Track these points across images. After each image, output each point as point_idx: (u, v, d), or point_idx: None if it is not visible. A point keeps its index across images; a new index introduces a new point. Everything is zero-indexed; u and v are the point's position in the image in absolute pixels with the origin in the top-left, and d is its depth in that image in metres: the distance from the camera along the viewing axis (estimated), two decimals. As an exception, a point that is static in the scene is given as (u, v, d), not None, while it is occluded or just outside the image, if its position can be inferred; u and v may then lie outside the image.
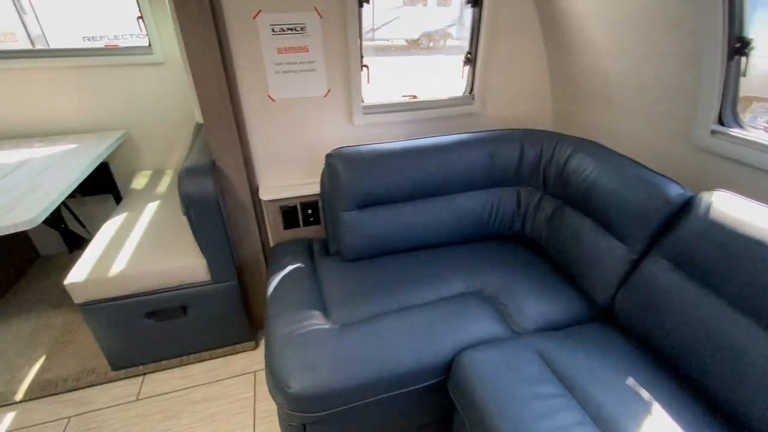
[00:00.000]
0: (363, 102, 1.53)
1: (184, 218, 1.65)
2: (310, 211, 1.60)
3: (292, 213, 1.58)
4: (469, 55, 1.62)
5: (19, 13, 7.23)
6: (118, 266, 1.43)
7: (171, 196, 1.96)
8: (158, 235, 1.62)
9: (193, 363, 1.67)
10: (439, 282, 1.32)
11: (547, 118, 1.81)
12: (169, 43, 2.01)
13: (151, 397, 1.54)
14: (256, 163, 1.54)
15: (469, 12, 1.56)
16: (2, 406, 1.49)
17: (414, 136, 1.67)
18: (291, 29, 1.34)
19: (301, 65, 1.41)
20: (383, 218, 1.39)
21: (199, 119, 1.45)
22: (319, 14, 1.35)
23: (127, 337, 1.54)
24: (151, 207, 1.85)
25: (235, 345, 1.72)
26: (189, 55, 1.25)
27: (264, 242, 1.67)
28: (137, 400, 1.53)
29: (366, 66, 1.50)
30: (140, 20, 1.94)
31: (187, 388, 1.57)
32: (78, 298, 1.41)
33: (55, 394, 1.54)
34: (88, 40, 7.23)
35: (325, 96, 1.49)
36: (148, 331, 1.55)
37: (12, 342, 1.74)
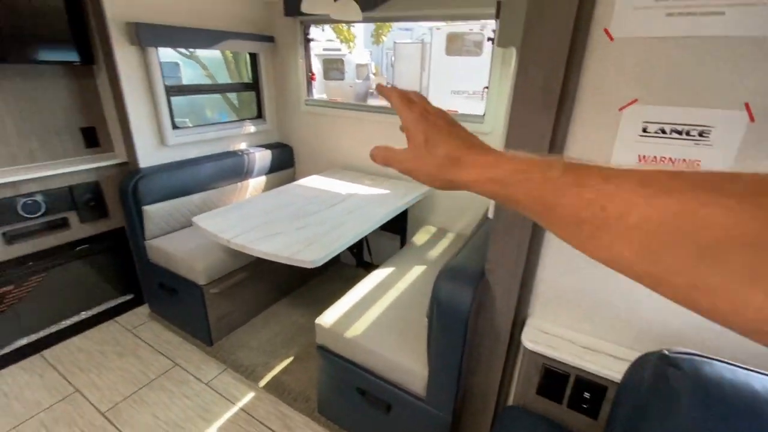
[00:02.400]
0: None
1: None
2: (587, 395, 1.01)
3: (558, 381, 1.05)
4: None
5: (420, 70, 9.59)
6: (356, 329, 1.38)
7: (437, 266, 1.82)
8: (404, 312, 1.48)
9: (375, 461, 1.46)
10: None
11: None
12: (501, 115, 1.88)
13: (326, 469, 1.43)
14: (536, 291, 1.11)
15: None
16: (251, 382, 1.79)
17: None
18: (679, 132, 0.81)
19: (673, 187, 0.85)
20: None
21: (490, 212, 1.18)
22: (750, 115, 0.75)
23: (338, 394, 1.50)
24: (416, 271, 1.77)
25: (421, 478, 1.37)
26: (507, 142, 0.98)
27: (501, 387, 1.22)
28: (317, 461, 1.46)
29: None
30: (485, 90, 1.90)
31: (356, 489, 1.37)
32: (319, 339, 1.46)
33: (279, 400, 1.70)
34: (455, 93, 8.82)
35: (697, 241, 0.86)
36: (354, 403, 1.44)
37: (287, 328, 2.11)
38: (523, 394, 1.13)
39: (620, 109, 0.87)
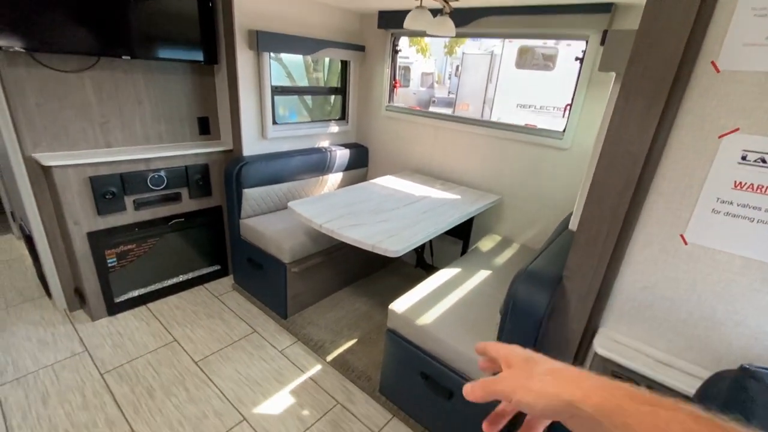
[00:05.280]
0: None
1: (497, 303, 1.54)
2: (657, 407, 1.05)
3: (627, 389, 1.10)
4: None
5: (486, 82, 9.52)
6: (426, 318, 1.51)
7: (503, 273, 1.90)
8: (470, 309, 1.58)
9: (430, 444, 1.57)
10: None
11: None
12: (582, 133, 1.91)
13: (385, 442, 1.56)
14: (611, 303, 1.16)
15: None
16: (319, 356, 1.97)
17: None
18: (781, 163, 0.85)
19: (769, 215, 0.88)
20: None
21: (573, 224, 1.25)
22: None
23: (401, 377, 1.63)
24: (481, 275, 1.86)
25: (473, 467, 1.46)
26: (600, 162, 1.05)
27: (567, 392, 1.28)
28: (377, 433, 1.60)
29: None
30: (568, 107, 1.95)
31: (412, 465, 1.48)
32: (389, 323, 1.60)
33: (344, 376, 1.87)
34: (520, 107, 8.70)
35: (790, 270, 0.88)
36: (416, 387, 1.56)
37: (351, 313, 2.29)
38: (588, 398, 1.18)
39: (720, 137, 0.92)
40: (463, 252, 2.52)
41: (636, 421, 0.29)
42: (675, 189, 1.00)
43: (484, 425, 0.46)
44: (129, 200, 2.04)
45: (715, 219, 0.96)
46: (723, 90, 0.91)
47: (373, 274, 2.72)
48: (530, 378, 0.37)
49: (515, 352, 0.42)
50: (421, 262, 2.77)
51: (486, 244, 2.25)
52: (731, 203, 0.93)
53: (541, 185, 2.13)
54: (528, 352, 0.42)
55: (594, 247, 1.10)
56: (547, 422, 0.42)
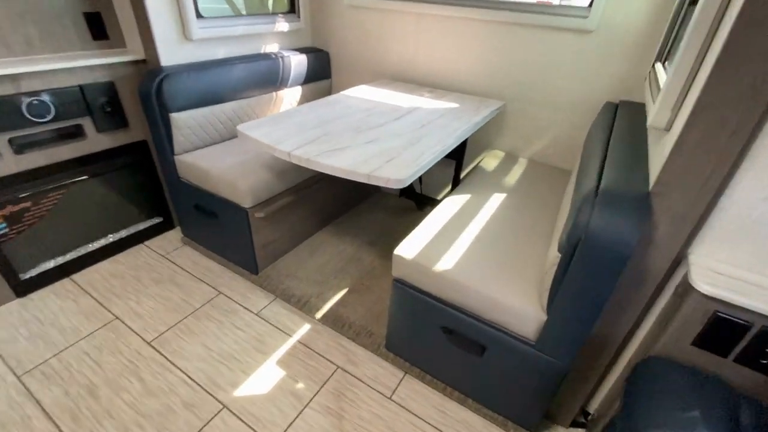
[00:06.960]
0: None
1: (533, 238, 1.23)
2: (775, 351, 0.81)
3: (729, 332, 0.84)
4: None
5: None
6: (444, 263, 1.17)
7: (520, 194, 1.57)
8: (495, 243, 1.26)
9: (455, 401, 1.34)
10: None
11: None
12: (616, 5, 1.48)
13: (402, 407, 1.32)
14: (711, 222, 0.86)
15: None
16: (305, 314, 1.64)
17: None
18: None
19: None
20: None
21: (657, 121, 0.89)
22: None
23: (414, 332, 1.34)
24: (496, 200, 1.52)
25: (515, 424, 1.26)
26: (743, 13, 0.66)
27: (628, 336, 1.03)
28: (389, 398, 1.34)
29: None
30: (597, -30, 1.48)
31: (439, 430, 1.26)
32: (396, 272, 1.26)
33: (338, 333, 1.56)
34: None
35: None
36: (435, 342, 1.28)
37: (335, 258, 1.93)
38: (670, 341, 0.94)
39: None
40: (456, 174, 2.16)
41: None
42: None
43: None
44: (1, 141, 1.42)
45: None
46: None
47: (352, 209, 2.33)
48: None
49: None
50: (406, 191, 2.39)
51: (489, 162, 1.88)
52: None
53: (555, 83, 1.72)
54: None
55: (713, 146, 0.75)
56: None
